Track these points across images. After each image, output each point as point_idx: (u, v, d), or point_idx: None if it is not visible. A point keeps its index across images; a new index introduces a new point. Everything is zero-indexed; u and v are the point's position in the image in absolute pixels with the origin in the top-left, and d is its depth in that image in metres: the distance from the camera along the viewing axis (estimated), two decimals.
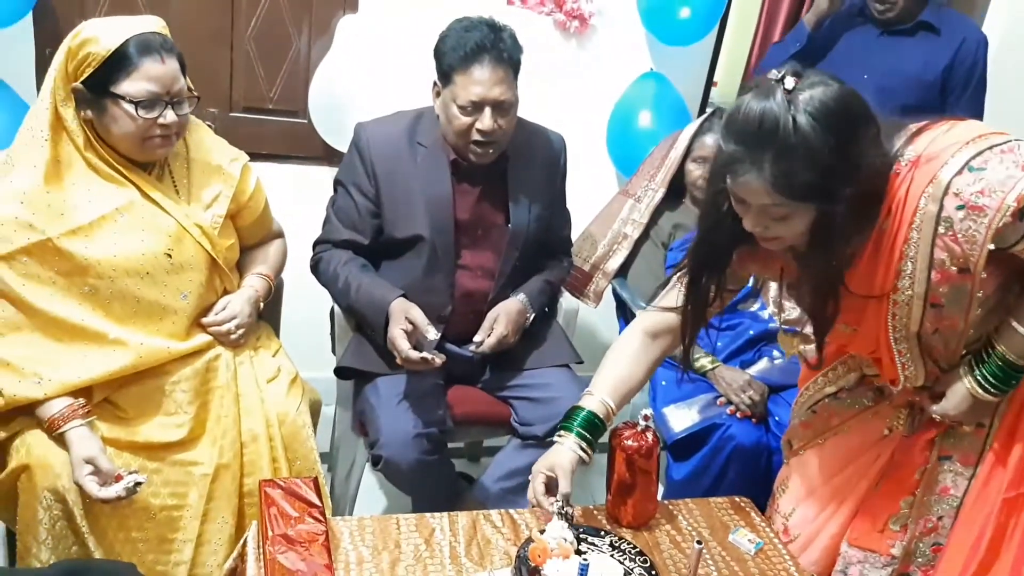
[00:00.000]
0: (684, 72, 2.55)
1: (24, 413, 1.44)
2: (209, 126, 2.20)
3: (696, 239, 1.35)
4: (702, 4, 2.35)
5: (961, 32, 2.22)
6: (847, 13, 2.20)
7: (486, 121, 1.68)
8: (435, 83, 1.76)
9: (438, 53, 1.72)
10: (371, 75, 2.08)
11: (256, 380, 1.63)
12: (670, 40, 2.45)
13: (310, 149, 2.30)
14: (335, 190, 1.88)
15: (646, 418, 1.46)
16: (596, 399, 1.45)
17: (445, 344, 1.78)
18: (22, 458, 1.42)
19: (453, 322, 1.83)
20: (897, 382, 1.34)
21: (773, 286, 2.18)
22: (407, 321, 1.66)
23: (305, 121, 2.26)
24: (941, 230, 1.13)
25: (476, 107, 1.67)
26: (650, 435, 1.45)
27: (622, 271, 2.23)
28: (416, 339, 1.65)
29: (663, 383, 2.04)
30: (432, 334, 1.64)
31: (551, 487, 1.37)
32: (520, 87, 2.37)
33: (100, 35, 1.40)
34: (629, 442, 1.44)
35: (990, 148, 1.12)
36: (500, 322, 1.80)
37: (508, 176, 1.83)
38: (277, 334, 1.86)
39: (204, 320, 1.60)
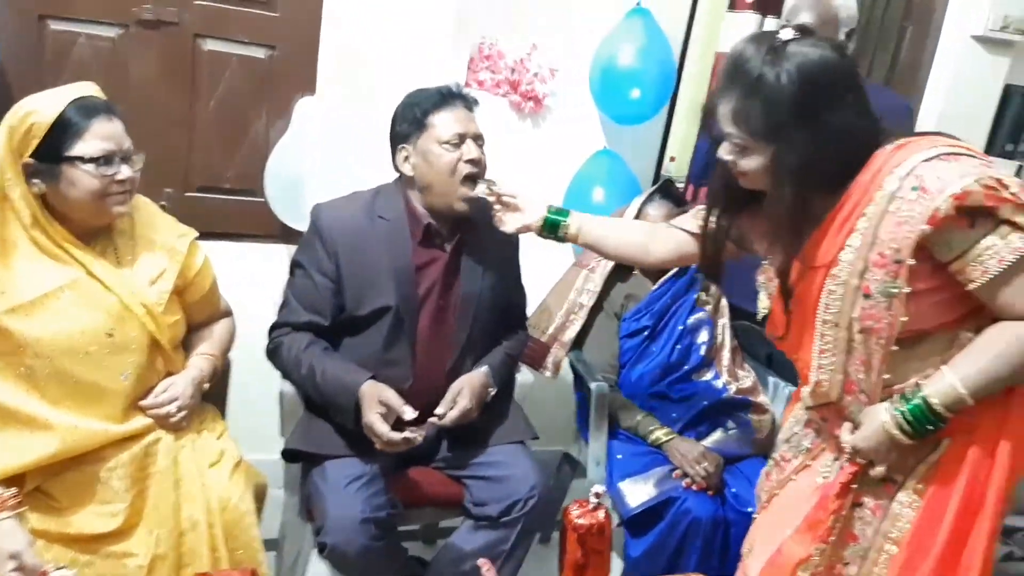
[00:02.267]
0: (636, 149, 2.62)
1: None
2: (163, 206, 2.23)
3: (713, 174, 1.43)
4: (652, 85, 2.43)
5: (882, 103, 2.28)
6: None
7: (473, 150, 1.75)
8: (401, 148, 1.80)
9: (403, 111, 1.80)
10: (327, 156, 2.11)
11: (198, 465, 1.57)
12: (622, 120, 2.52)
13: (266, 228, 2.32)
14: (292, 273, 1.86)
15: (597, 495, 1.44)
16: (579, 218, 1.63)
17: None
18: None
19: (411, 397, 1.80)
20: (808, 380, 1.34)
21: (726, 355, 2.23)
22: (380, 404, 1.64)
23: (262, 200, 2.28)
24: (892, 207, 1.17)
25: (460, 139, 1.75)
26: (602, 513, 1.43)
27: (578, 342, 2.25)
28: (392, 421, 1.64)
29: (619, 456, 2.03)
30: (409, 414, 1.63)
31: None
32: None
33: (39, 106, 1.42)
34: (580, 520, 1.41)
35: (969, 153, 1.19)
36: (464, 395, 1.77)
37: (464, 245, 1.85)
38: (223, 416, 1.82)
39: (143, 402, 1.56)
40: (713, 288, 2.27)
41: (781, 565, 1.39)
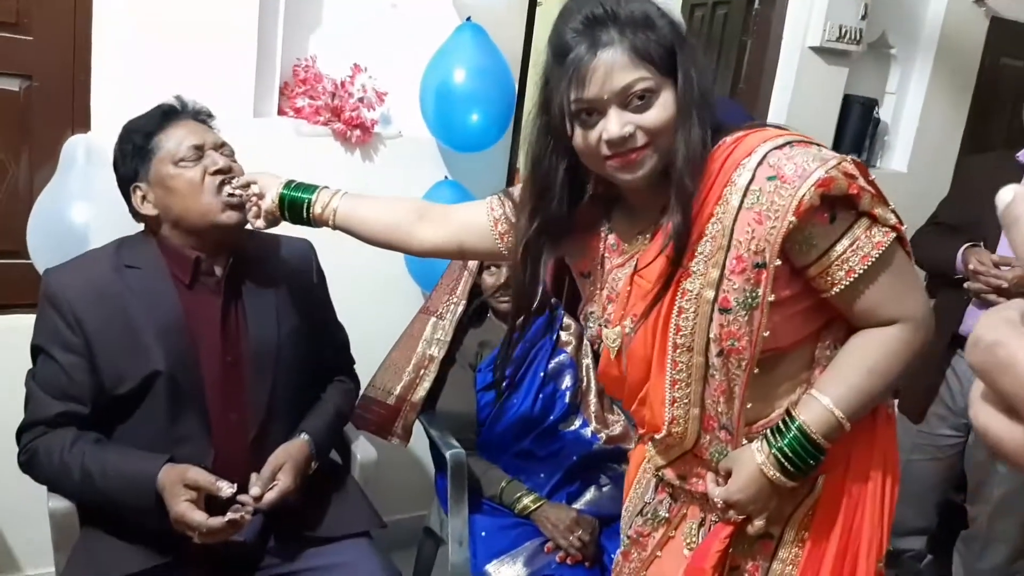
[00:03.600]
0: (479, 177, 2.39)
1: None
2: None
3: (527, 218, 1.16)
4: (491, 108, 2.22)
5: (730, 115, 2.23)
6: None
7: (219, 160, 1.49)
8: (134, 189, 1.50)
9: (121, 147, 1.51)
10: (107, 201, 1.73)
11: None
12: (461, 147, 2.29)
13: (33, 296, 1.89)
14: (34, 360, 1.48)
15: None
16: (330, 194, 1.35)
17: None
18: None
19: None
20: (659, 425, 1.14)
21: (593, 400, 2.03)
22: (188, 488, 1.33)
23: (27, 262, 1.85)
24: (748, 203, 1.01)
25: (198, 151, 1.48)
26: None
27: (430, 401, 1.98)
28: (203, 504, 1.33)
29: (483, 534, 1.79)
30: (227, 491, 1.33)
31: None
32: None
33: None
34: None
35: (815, 142, 1.06)
36: (287, 471, 1.47)
37: (243, 290, 1.55)
38: None
39: None
40: (573, 326, 2.08)
41: None
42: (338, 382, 1.75)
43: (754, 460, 1.09)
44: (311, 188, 1.34)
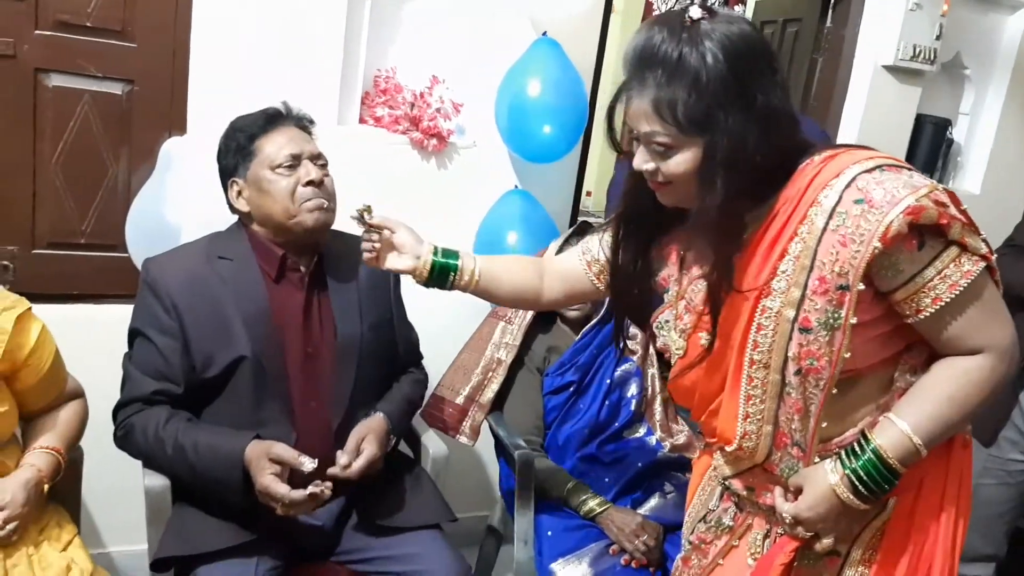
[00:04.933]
0: (549, 188, 2.45)
1: None
2: (6, 266, 1.91)
3: (620, 198, 1.23)
4: (563, 120, 2.27)
5: (804, 130, 2.22)
6: None
7: (312, 172, 1.56)
8: (231, 183, 1.60)
9: (226, 142, 1.61)
10: (203, 201, 1.83)
11: None
12: (533, 158, 2.34)
13: (130, 287, 2.00)
14: (131, 344, 1.57)
15: None
16: (472, 259, 1.32)
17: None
18: None
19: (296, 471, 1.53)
20: (729, 438, 1.15)
21: (658, 409, 2.05)
22: (272, 462, 1.39)
23: (124, 255, 1.97)
24: (833, 224, 1.01)
25: (295, 160, 1.56)
26: None
27: (498, 402, 2.02)
28: (286, 478, 1.40)
29: (548, 533, 1.81)
30: (308, 465, 1.39)
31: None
32: (378, 208, 2.20)
33: None
34: None
35: (907, 167, 1.05)
36: (370, 441, 1.53)
37: (329, 285, 1.63)
38: (75, 516, 1.53)
39: None
40: (640, 335, 2.10)
41: None
42: (409, 374, 1.81)
43: (827, 479, 1.08)
44: (454, 254, 1.31)
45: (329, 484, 1.41)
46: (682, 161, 1.04)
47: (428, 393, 2.01)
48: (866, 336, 1.05)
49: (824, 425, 1.10)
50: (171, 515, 1.54)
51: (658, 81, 1.01)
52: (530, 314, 2.04)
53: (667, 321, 1.23)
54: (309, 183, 1.55)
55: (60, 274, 2.00)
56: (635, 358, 2.07)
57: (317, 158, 1.60)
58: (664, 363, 2.10)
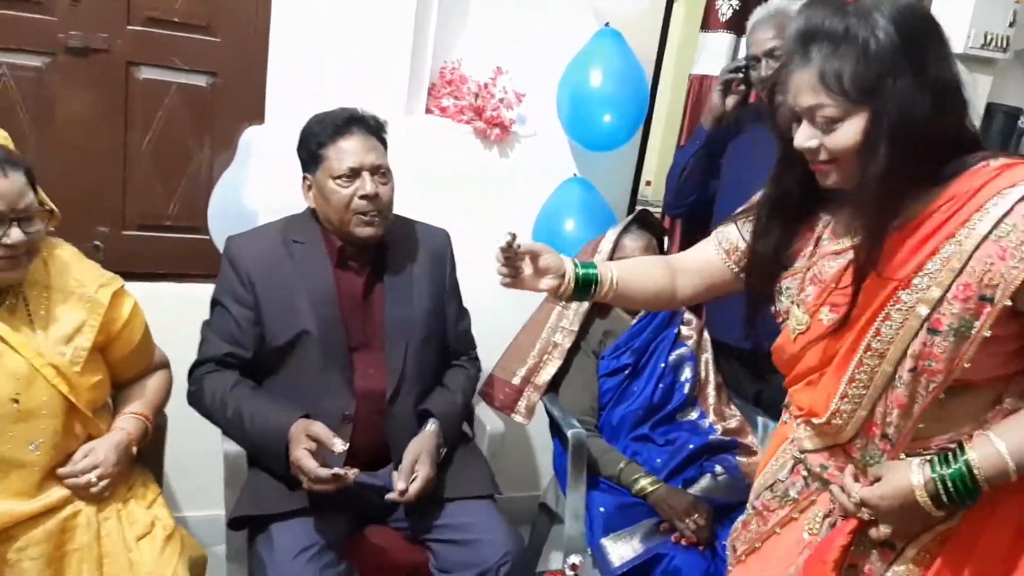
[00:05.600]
0: (608, 176, 2.49)
1: None
2: (97, 246, 2.06)
3: (767, 182, 1.23)
4: (624, 109, 2.31)
5: None
6: (748, 112, 2.17)
7: (367, 186, 1.65)
8: (304, 178, 1.73)
9: (302, 142, 1.72)
10: (278, 188, 1.94)
11: (124, 539, 1.41)
12: (593, 146, 2.39)
13: (211, 267, 2.13)
14: (211, 311, 1.73)
15: (574, 567, 1.28)
16: (606, 267, 1.32)
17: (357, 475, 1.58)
18: None
19: (357, 434, 1.66)
20: (819, 412, 1.15)
21: (711, 393, 2.08)
22: (309, 439, 1.49)
23: (206, 237, 2.10)
24: (996, 234, 0.99)
25: (354, 173, 1.65)
26: None
27: (553, 384, 2.09)
28: (322, 458, 1.49)
29: (600, 509, 1.86)
30: (339, 447, 1.47)
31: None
32: (442, 195, 2.29)
33: None
34: None
35: None
36: (423, 462, 1.63)
37: (387, 272, 1.75)
38: (158, 478, 1.65)
39: (61, 471, 1.39)
40: (694, 321, 2.14)
41: None
42: (462, 368, 1.89)
43: (909, 478, 1.08)
44: (592, 266, 1.32)
45: (356, 471, 1.50)
46: (848, 133, 1.04)
47: (485, 374, 2.09)
48: (991, 350, 1.04)
49: (921, 426, 1.10)
50: (246, 479, 1.67)
51: (823, 53, 1.01)
52: None
53: (788, 288, 1.23)
54: (364, 196, 1.65)
55: (147, 254, 2.14)
56: (689, 343, 2.11)
57: (377, 170, 1.68)
58: (719, 349, 2.13)
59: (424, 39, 2.25)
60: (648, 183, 2.57)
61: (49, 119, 2.01)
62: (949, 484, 1.05)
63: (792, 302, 1.21)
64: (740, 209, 1.32)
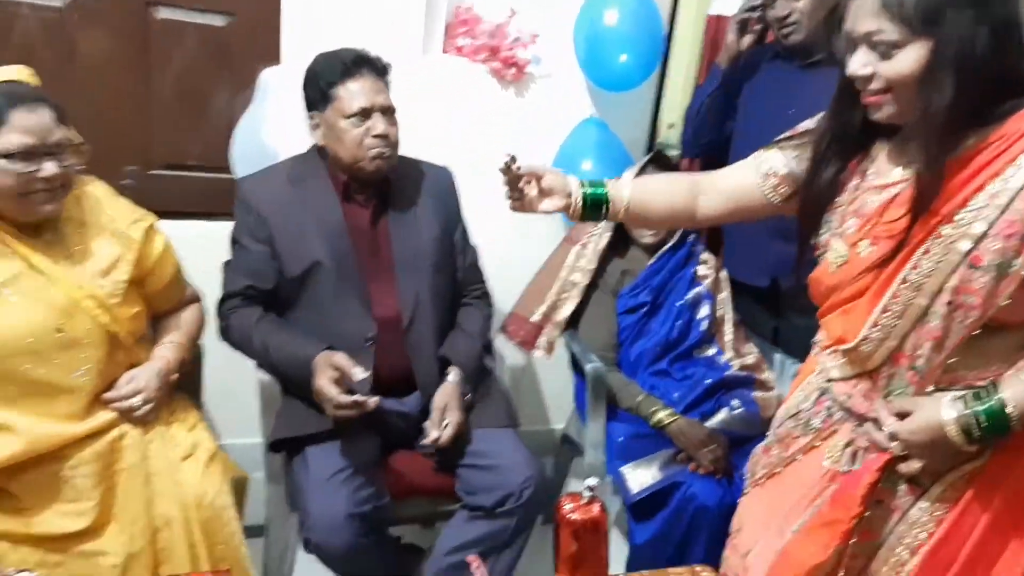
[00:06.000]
0: (625, 117, 2.50)
1: None
2: (126, 184, 2.10)
3: (825, 116, 1.23)
4: (639, 49, 2.31)
5: None
6: (764, 51, 2.17)
7: (380, 125, 1.70)
8: (311, 116, 1.76)
9: (309, 81, 1.75)
10: (296, 127, 1.97)
11: (168, 459, 1.49)
12: (610, 86, 2.40)
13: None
14: (232, 251, 1.79)
15: (591, 489, 1.33)
16: (618, 187, 1.33)
17: (382, 401, 1.65)
18: None
19: (380, 361, 1.72)
20: (849, 338, 1.17)
21: (728, 330, 2.12)
22: (332, 368, 1.56)
23: (229, 176, 2.13)
24: None
25: (365, 113, 1.69)
26: (596, 507, 1.32)
27: (572, 321, 2.14)
28: (347, 386, 1.55)
29: (619, 439, 1.93)
30: (360, 374, 1.54)
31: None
32: (459, 135, 2.31)
33: None
34: (574, 516, 1.30)
35: None
36: (451, 409, 1.71)
37: (394, 204, 1.81)
38: (198, 404, 1.71)
39: (106, 396, 1.46)
40: (712, 260, 2.17)
41: (791, 569, 1.24)
42: (476, 309, 1.94)
43: (940, 413, 1.10)
44: (601, 185, 1.33)
45: (376, 398, 1.56)
46: (906, 61, 1.04)
47: (503, 314, 2.15)
48: None
49: (952, 361, 1.12)
50: (280, 405, 1.74)
51: None
52: (605, 239, 2.12)
53: (828, 220, 1.24)
54: (376, 136, 1.69)
55: (173, 193, 2.17)
56: (706, 282, 2.14)
57: (387, 110, 1.73)
58: (737, 288, 2.17)
59: None
60: (671, 126, 2.57)
61: (70, 60, 2.03)
62: (982, 419, 1.07)
63: (831, 234, 1.23)
64: (785, 136, 1.31)
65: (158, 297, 1.61)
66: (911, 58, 1.04)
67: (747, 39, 2.14)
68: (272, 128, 2.09)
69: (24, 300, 1.35)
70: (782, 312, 2.11)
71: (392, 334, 1.75)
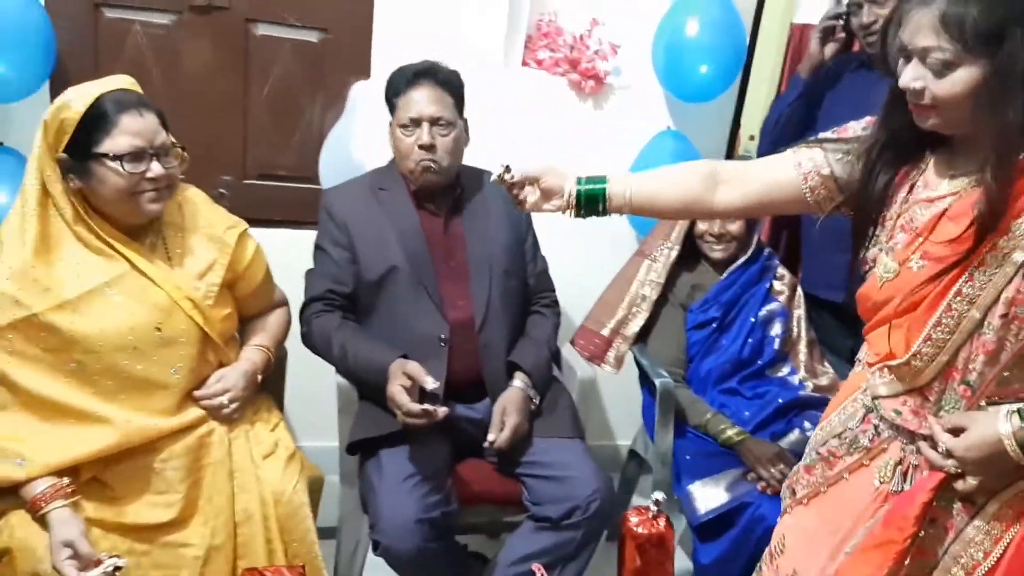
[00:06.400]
0: (703, 129, 2.48)
1: (10, 493, 1.39)
2: (221, 193, 2.22)
3: (875, 124, 1.22)
4: (720, 60, 2.29)
5: None
6: (848, 60, 2.11)
7: (424, 136, 1.77)
8: (389, 125, 1.86)
9: (384, 92, 1.86)
10: (383, 140, 2.05)
11: (251, 456, 1.57)
12: (688, 97, 2.38)
13: None
14: (314, 258, 1.89)
15: (658, 503, 1.34)
16: (622, 180, 1.29)
17: (453, 407, 1.74)
18: (5, 541, 1.37)
19: (453, 364, 1.78)
20: (899, 354, 1.16)
21: (803, 350, 2.08)
22: (405, 377, 1.61)
23: (317, 187, 2.23)
24: None
25: (415, 123, 1.78)
26: (662, 521, 1.33)
27: (642, 335, 2.14)
28: (417, 394, 1.61)
29: (687, 457, 1.92)
30: (431, 384, 1.59)
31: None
32: (536, 147, 2.34)
33: (71, 100, 1.40)
34: (639, 529, 1.32)
35: None
36: (510, 414, 1.75)
37: (464, 213, 1.88)
38: (280, 406, 1.80)
39: (196, 393, 1.55)
40: (788, 276, 2.14)
41: None
42: (545, 317, 1.98)
43: (997, 427, 1.09)
44: (600, 179, 1.30)
45: (445, 408, 1.60)
46: (958, 81, 1.04)
47: (573, 327, 2.18)
48: None
49: (1006, 374, 1.11)
50: (357, 408, 1.81)
51: None
52: (675, 252, 2.11)
53: (876, 235, 1.23)
54: (421, 146, 1.78)
55: (265, 201, 2.29)
56: (781, 299, 2.11)
57: (437, 121, 1.79)
58: (813, 304, 2.12)
59: None
60: (752, 137, 2.54)
61: (176, 73, 2.17)
62: None
63: (880, 249, 1.21)
64: (828, 136, 1.28)
65: (248, 300, 1.69)
66: (963, 79, 1.04)
67: (831, 48, 2.10)
68: (360, 141, 2.17)
69: (127, 300, 1.45)
70: (859, 329, 2.05)
71: (464, 336, 1.81)
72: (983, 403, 1.13)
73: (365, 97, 2.18)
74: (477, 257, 1.86)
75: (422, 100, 1.78)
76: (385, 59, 2.21)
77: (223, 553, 1.48)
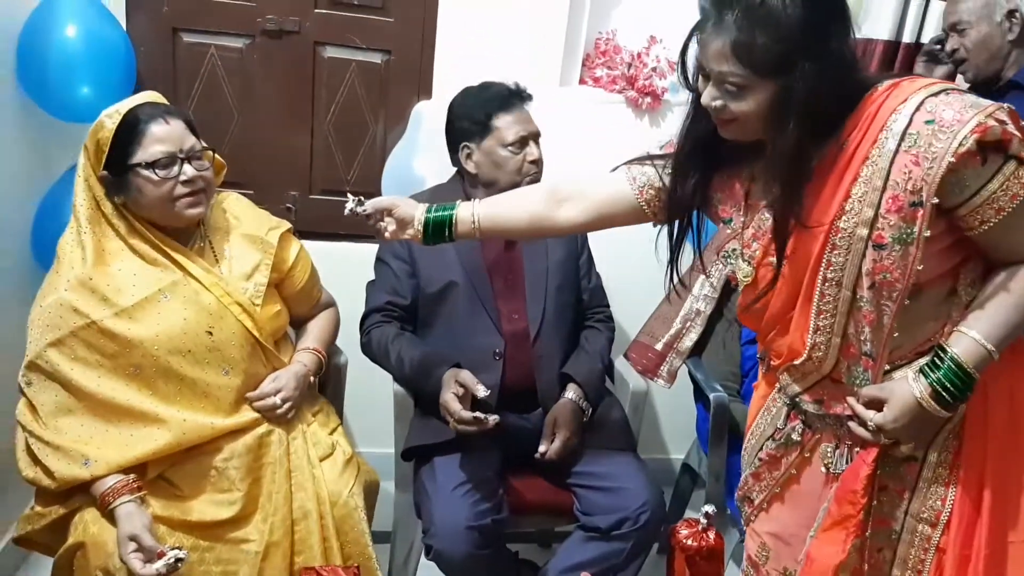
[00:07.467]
0: None
1: (84, 492, 1.47)
2: (290, 208, 2.32)
3: (681, 132, 1.29)
4: None
5: None
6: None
7: (535, 151, 1.86)
8: (463, 146, 1.89)
9: (465, 110, 1.89)
10: (441, 157, 2.11)
11: (308, 457, 1.63)
12: None
13: None
14: (375, 270, 1.96)
15: (708, 516, 1.34)
16: (469, 205, 1.39)
17: (506, 416, 1.75)
18: (79, 535, 1.45)
19: (507, 373, 1.82)
20: (798, 350, 1.21)
21: None
22: (458, 385, 1.66)
23: None
24: (904, 145, 1.07)
25: (523, 142, 1.85)
26: (712, 534, 1.33)
27: (697, 349, 2.14)
28: (469, 402, 1.66)
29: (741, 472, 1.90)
30: (482, 392, 1.63)
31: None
32: (593, 164, 2.36)
33: (104, 120, 1.49)
34: (689, 542, 1.33)
35: (965, 91, 1.12)
36: (560, 426, 1.78)
37: None
38: (340, 412, 1.86)
39: (249, 395, 1.61)
40: None
41: (817, 573, 1.26)
42: (599, 332, 2.00)
43: (910, 392, 1.14)
44: (448, 207, 1.39)
45: (496, 416, 1.64)
46: (753, 102, 1.10)
47: (627, 340, 2.19)
48: (930, 251, 1.11)
49: (896, 335, 1.16)
50: (413, 416, 1.87)
51: (738, 23, 1.05)
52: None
53: (734, 250, 1.29)
54: (532, 161, 1.85)
55: (329, 216, 2.36)
56: None
57: (537, 137, 1.89)
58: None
59: (580, 11, 2.34)
60: None
61: (249, 94, 2.28)
62: (947, 383, 1.13)
63: (737, 259, 1.28)
64: (657, 153, 1.37)
65: (294, 300, 1.75)
66: (756, 100, 1.10)
67: (940, 70, 2.10)
68: (422, 159, 2.24)
69: (180, 305, 1.52)
70: None
71: (520, 347, 1.86)
72: (887, 368, 1.19)
73: (426, 116, 2.26)
74: (533, 273, 1.91)
75: (524, 120, 1.87)
76: (446, 79, 2.28)
77: (281, 549, 1.53)
